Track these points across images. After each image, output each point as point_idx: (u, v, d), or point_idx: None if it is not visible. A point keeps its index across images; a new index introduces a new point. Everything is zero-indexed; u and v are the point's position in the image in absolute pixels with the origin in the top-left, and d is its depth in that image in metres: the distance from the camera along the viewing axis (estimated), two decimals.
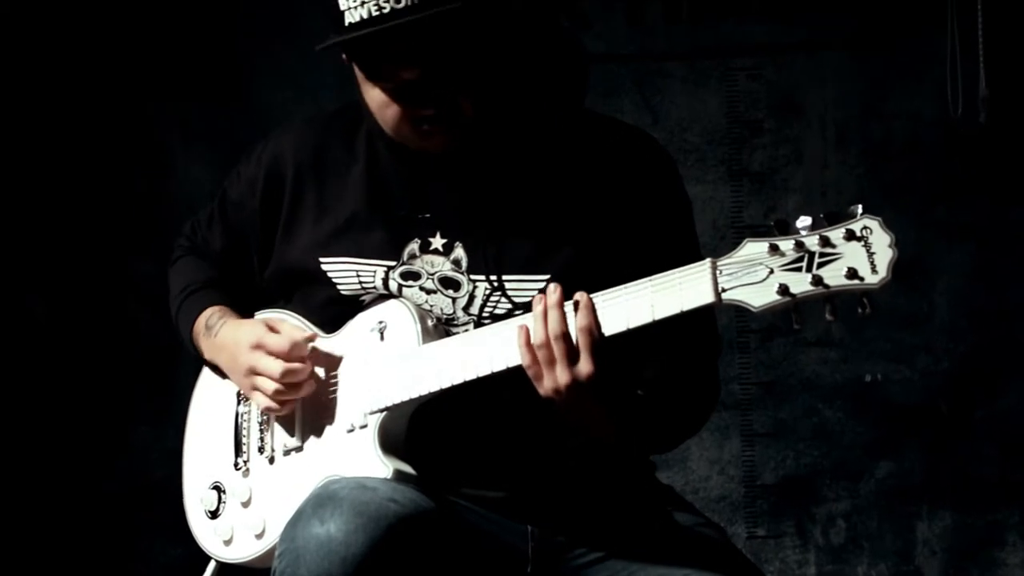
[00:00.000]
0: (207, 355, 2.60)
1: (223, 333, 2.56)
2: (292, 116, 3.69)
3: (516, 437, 2.44)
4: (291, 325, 2.49)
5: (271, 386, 2.44)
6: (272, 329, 2.48)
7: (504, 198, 2.44)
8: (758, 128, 4.09)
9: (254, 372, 2.46)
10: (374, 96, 2.36)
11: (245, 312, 2.64)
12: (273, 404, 2.44)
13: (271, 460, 2.53)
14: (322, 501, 2.21)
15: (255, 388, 2.46)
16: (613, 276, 2.28)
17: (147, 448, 4.06)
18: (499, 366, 2.32)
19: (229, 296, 2.65)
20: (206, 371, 2.68)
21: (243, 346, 2.47)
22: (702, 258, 2.22)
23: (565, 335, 2.22)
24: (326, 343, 2.52)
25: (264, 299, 2.66)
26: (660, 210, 2.45)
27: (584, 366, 2.22)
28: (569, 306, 2.25)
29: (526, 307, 2.37)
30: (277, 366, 2.43)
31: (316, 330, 2.54)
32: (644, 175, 2.46)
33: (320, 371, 2.49)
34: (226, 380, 2.60)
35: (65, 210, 4.05)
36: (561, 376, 2.22)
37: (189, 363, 2.77)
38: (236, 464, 2.57)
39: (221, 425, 2.61)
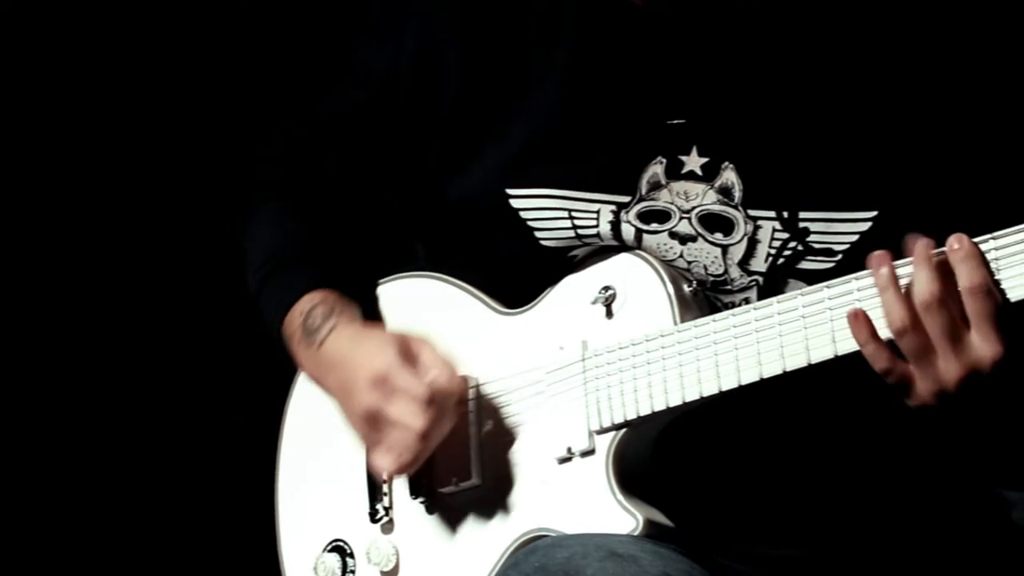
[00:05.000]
0: (306, 370, 2.45)
1: (332, 345, 2.39)
2: None
3: (820, 467, 2.34)
4: (433, 353, 2.30)
5: (401, 446, 2.27)
6: (408, 352, 2.29)
7: (794, 94, 2.29)
8: None
9: (377, 421, 2.29)
10: None
11: (367, 283, 2.52)
12: (396, 469, 2.29)
13: (430, 507, 2.38)
14: None
15: (376, 443, 2.31)
16: (967, 213, 2.15)
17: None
18: (821, 355, 2.10)
19: (338, 268, 2.50)
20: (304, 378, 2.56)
21: (361, 378, 2.30)
22: None
23: (944, 301, 2.02)
24: (516, 323, 2.39)
25: (400, 253, 2.55)
26: None
27: (982, 346, 2.01)
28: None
29: (841, 262, 2.24)
30: (415, 421, 2.25)
31: (495, 305, 2.40)
32: (1012, 54, 2.31)
33: (508, 368, 2.37)
34: None
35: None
36: (948, 367, 2.02)
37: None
38: (373, 514, 2.42)
39: (342, 457, 2.48)
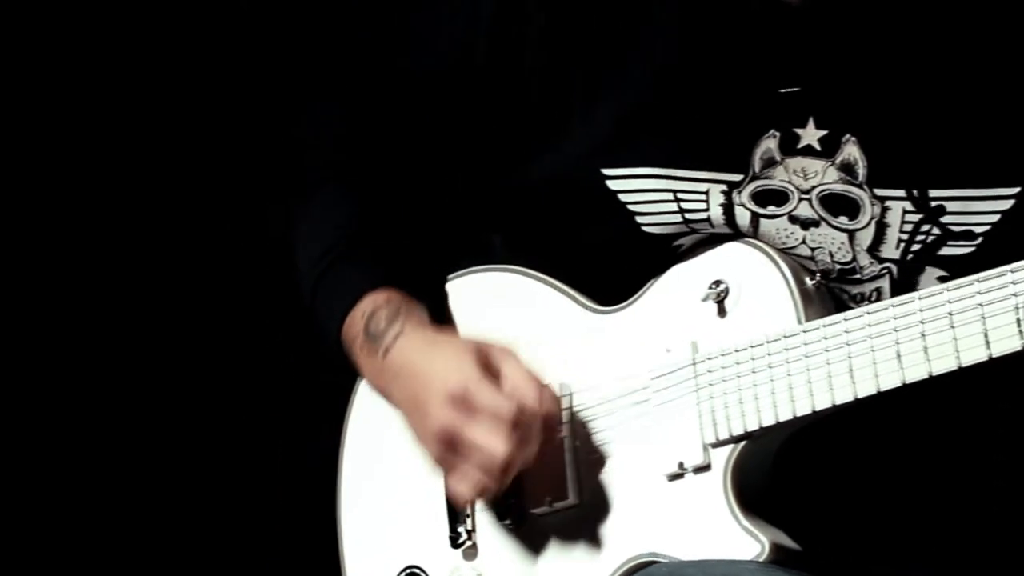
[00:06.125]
0: (369, 380, 2.39)
1: (400, 353, 2.31)
2: None
3: (954, 482, 2.28)
4: (517, 365, 2.24)
5: (482, 471, 2.20)
6: (488, 364, 2.24)
7: (921, 55, 2.21)
8: None
9: (455, 443, 2.23)
10: None
11: (436, 278, 2.45)
12: (476, 496, 2.26)
13: (520, 531, 2.32)
14: None
15: (453, 467, 2.25)
16: None
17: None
18: (972, 357, 2.01)
19: (403, 261, 2.42)
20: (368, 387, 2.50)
21: (437, 393, 2.23)
22: None
23: None
24: (613, 322, 2.30)
25: (472, 247, 2.48)
26: None
27: None
28: None
29: (981, 246, 2.16)
30: (499, 446, 2.18)
31: (587, 302, 2.31)
32: None
33: (605, 373, 2.29)
34: None
35: None
36: None
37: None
38: (454, 538, 2.35)
39: (416, 474, 2.40)
